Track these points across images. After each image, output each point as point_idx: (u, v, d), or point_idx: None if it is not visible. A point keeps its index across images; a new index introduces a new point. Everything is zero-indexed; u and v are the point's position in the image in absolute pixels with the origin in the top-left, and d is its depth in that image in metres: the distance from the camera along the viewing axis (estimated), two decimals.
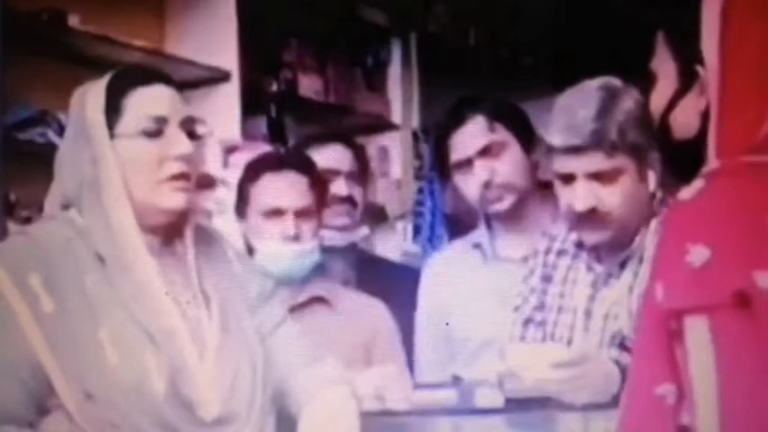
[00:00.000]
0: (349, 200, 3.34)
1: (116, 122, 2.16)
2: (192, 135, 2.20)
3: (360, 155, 3.47)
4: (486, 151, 3.03)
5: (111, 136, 2.16)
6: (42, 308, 2.09)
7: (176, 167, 2.16)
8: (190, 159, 2.18)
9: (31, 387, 2.08)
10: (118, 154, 2.15)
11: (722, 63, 1.76)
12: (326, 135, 3.51)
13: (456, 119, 3.09)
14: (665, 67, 1.89)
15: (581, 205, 2.61)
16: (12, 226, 3.45)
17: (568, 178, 2.63)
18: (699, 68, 1.82)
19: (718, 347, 1.64)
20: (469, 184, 3.05)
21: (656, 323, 1.72)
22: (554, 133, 2.63)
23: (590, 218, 2.62)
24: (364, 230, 3.44)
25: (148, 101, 2.18)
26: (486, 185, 3.01)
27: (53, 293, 2.10)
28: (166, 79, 2.24)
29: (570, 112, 2.60)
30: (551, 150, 2.65)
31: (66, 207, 2.22)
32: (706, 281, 1.66)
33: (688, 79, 1.85)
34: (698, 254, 1.66)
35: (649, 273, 1.79)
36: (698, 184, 1.74)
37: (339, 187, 3.29)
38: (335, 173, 3.29)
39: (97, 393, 2.06)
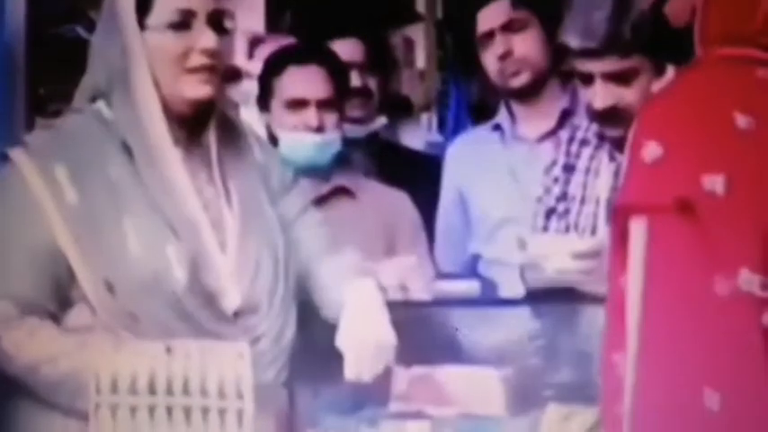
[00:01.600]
0: (364, 91, 3.36)
1: (146, 15, 2.19)
2: (221, 28, 2.22)
3: (372, 45, 3.47)
4: (507, 26, 3.07)
5: (141, 28, 2.19)
6: (67, 199, 2.13)
7: (201, 60, 2.19)
8: (215, 53, 2.20)
9: (54, 277, 2.12)
10: (146, 45, 2.19)
11: None
12: (339, 27, 3.50)
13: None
14: None
15: (600, 103, 2.66)
16: (39, 120, 3.48)
17: (587, 78, 2.67)
18: None
19: (651, 251, 1.63)
20: (490, 58, 3.10)
21: (614, 219, 1.73)
22: (570, 35, 2.67)
23: (610, 114, 2.65)
24: (381, 120, 3.45)
25: None
26: (504, 57, 3.06)
27: (78, 185, 2.15)
28: None
29: (585, 14, 2.62)
30: (568, 51, 2.68)
31: (93, 99, 2.26)
32: (653, 179, 1.65)
33: None
34: (650, 150, 1.65)
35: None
36: (669, 76, 1.73)
37: (353, 79, 3.30)
38: (348, 65, 3.29)
39: (118, 284, 2.11)
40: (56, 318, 2.14)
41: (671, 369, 1.62)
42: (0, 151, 2.22)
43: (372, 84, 3.40)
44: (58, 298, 2.13)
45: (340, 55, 3.19)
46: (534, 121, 3.10)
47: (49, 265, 2.12)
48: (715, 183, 1.61)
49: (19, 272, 2.12)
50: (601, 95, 2.64)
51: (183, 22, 2.19)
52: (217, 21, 2.22)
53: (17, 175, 2.16)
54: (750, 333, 1.59)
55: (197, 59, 2.20)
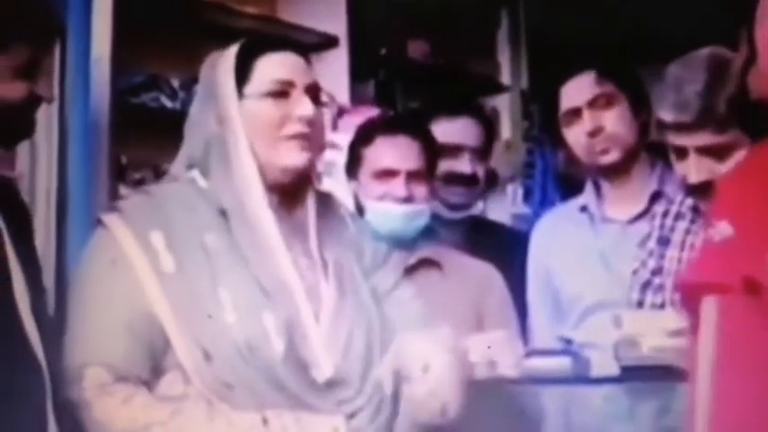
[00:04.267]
0: (472, 179, 3.30)
1: (245, 84, 2.23)
2: (316, 101, 2.25)
3: (489, 130, 3.43)
4: (594, 102, 3.00)
5: (240, 96, 2.22)
6: (163, 266, 2.12)
7: (297, 127, 2.22)
8: (312, 122, 2.23)
9: (148, 344, 2.10)
10: (244, 112, 2.21)
11: None
12: (458, 106, 3.45)
13: (567, 72, 3.07)
14: (742, 34, 1.85)
15: (694, 178, 2.62)
16: (122, 188, 3.49)
17: (681, 151, 2.63)
18: None
19: (722, 332, 1.60)
20: (577, 134, 3.02)
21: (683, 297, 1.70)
22: (664, 109, 2.64)
23: (704, 188, 2.59)
24: (479, 206, 3.41)
25: (277, 65, 2.25)
26: (593, 134, 2.98)
27: (174, 252, 2.13)
28: (295, 47, 2.31)
29: (679, 88, 2.60)
30: (662, 125, 2.65)
31: (189, 168, 2.27)
32: (722, 259, 1.62)
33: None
34: (720, 230, 1.63)
35: None
36: (740, 155, 1.71)
37: (463, 165, 3.26)
38: (460, 148, 3.25)
39: (215, 352, 2.07)
40: (148, 385, 2.10)
41: None
42: (90, 216, 2.21)
43: (480, 170, 3.33)
44: (151, 365, 2.10)
45: (454, 135, 3.18)
46: (623, 202, 3.01)
47: (144, 332, 2.09)
48: None
49: (113, 338, 2.09)
50: (695, 170, 2.60)
51: (282, 92, 2.22)
52: (313, 93, 2.25)
53: (112, 241, 2.15)
54: None
55: (294, 127, 2.21)
